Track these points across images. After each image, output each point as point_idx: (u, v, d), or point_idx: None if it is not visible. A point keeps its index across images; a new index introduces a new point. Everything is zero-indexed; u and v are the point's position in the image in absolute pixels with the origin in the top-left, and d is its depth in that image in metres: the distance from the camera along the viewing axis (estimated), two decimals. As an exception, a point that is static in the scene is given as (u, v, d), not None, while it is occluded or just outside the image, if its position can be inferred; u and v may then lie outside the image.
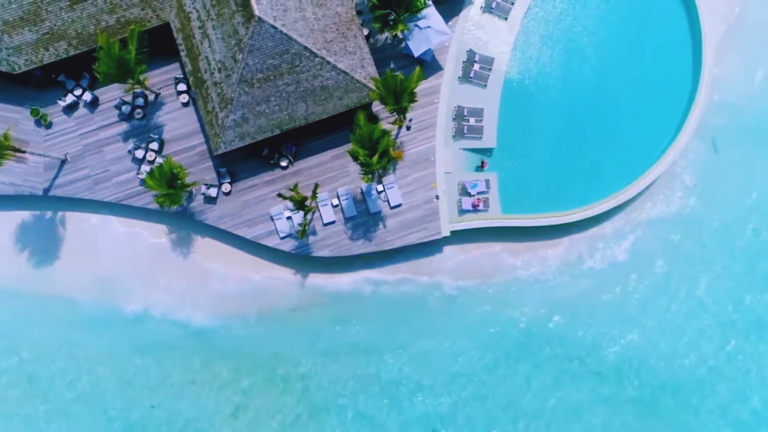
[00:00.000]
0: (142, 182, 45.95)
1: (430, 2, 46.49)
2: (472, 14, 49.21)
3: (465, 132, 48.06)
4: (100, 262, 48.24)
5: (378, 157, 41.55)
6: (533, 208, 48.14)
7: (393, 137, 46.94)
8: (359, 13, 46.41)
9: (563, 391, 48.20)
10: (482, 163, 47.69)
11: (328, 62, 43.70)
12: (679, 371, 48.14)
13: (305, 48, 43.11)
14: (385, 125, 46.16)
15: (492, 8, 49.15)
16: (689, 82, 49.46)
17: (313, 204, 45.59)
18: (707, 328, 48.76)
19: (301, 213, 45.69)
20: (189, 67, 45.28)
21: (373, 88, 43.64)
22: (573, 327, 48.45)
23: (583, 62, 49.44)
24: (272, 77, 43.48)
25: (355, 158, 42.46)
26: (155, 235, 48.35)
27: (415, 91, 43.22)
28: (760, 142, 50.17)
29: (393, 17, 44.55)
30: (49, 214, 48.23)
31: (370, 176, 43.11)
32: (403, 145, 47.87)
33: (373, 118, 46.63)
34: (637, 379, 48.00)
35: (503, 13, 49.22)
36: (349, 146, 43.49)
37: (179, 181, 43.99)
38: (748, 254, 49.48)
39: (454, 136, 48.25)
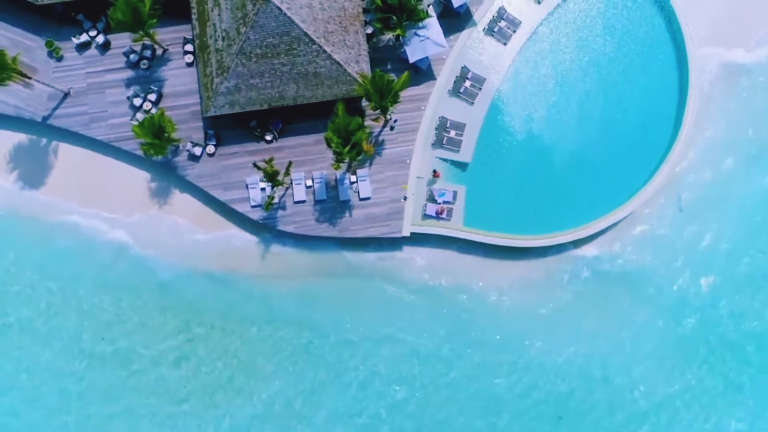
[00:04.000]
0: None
1: (433, 14, 48.74)
2: (475, 33, 51.39)
3: (444, 143, 50.26)
4: (82, 197, 50.85)
5: (349, 147, 43.88)
6: (494, 226, 50.14)
7: (374, 134, 49.59)
8: (365, 11, 48.74)
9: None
10: (434, 172, 49.79)
11: (325, 51, 46.17)
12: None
13: (305, 34, 45.64)
14: (368, 121, 48.60)
15: (494, 31, 51.30)
16: (668, 136, 51.31)
17: (285, 180, 48.05)
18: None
19: (275, 186, 48.13)
20: (197, 30, 48.01)
21: (361, 82, 45.95)
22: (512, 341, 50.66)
23: (571, 99, 51.53)
24: (269, 55, 46.03)
25: (328, 144, 44.84)
26: (136, 181, 50.91)
27: (399, 93, 45.51)
28: (724, 208, 51.70)
29: (394, 21, 46.86)
30: (43, 141, 51.06)
31: (340, 164, 45.46)
32: (384, 143, 50.20)
33: (359, 112, 48.85)
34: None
35: (504, 38, 51.35)
36: (330, 133, 45.92)
37: (166, 134, 46.64)
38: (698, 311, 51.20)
39: (433, 145, 50.46)
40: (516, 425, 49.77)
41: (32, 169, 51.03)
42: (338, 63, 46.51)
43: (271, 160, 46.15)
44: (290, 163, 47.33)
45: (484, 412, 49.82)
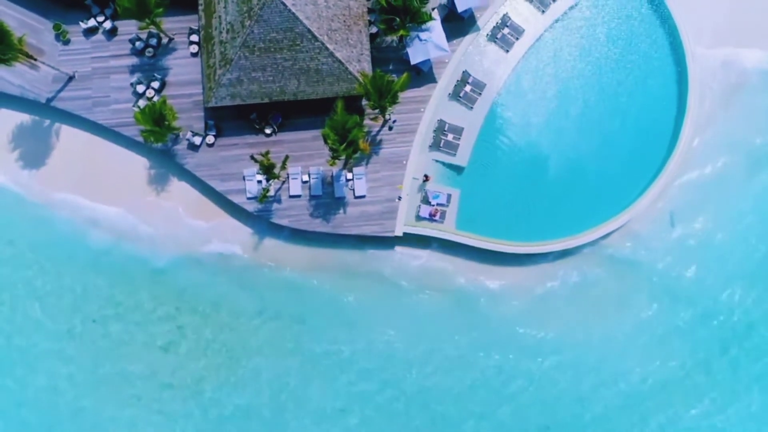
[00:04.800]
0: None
1: (437, 17, 49.17)
2: (478, 39, 51.81)
3: (441, 145, 50.70)
4: (80, 180, 51.38)
5: (346, 145, 44.37)
6: (486, 231, 50.52)
7: (372, 133, 50.10)
8: (370, 11, 49.18)
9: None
10: (425, 176, 50.19)
11: (327, 48, 46.66)
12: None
13: (309, 30, 46.15)
14: (367, 120, 49.16)
15: (497, 38, 51.70)
16: (664, 152, 51.68)
17: (281, 174, 48.56)
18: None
19: (271, 179, 48.63)
20: (202, 21, 48.59)
21: (361, 81, 46.41)
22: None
23: (569, 110, 52.00)
24: (272, 49, 46.56)
25: (325, 141, 45.34)
26: (135, 167, 51.42)
27: (398, 94, 45.98)
28: (718, 225, 52.13)
29: (397, 22, 47.31)
30: (46, 122, 51.63)
31: (336, 161, 45.97)
32: (382, 143, 50.67)
33: (359, 111, 49.25)
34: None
35: (506, 46, 51.76)
36: (330, 130, 46.34)
37: (166, 122, 47.21)
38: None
39: (430, 147, 50.89)
40: (500, 420, 50.49)
41: (33, 150, 51.62)
42: (340, 61, 47.00)
43: (267, 153, 46.67)
44: (287, 157, 47.87)
45: (469, 406, 50.51)
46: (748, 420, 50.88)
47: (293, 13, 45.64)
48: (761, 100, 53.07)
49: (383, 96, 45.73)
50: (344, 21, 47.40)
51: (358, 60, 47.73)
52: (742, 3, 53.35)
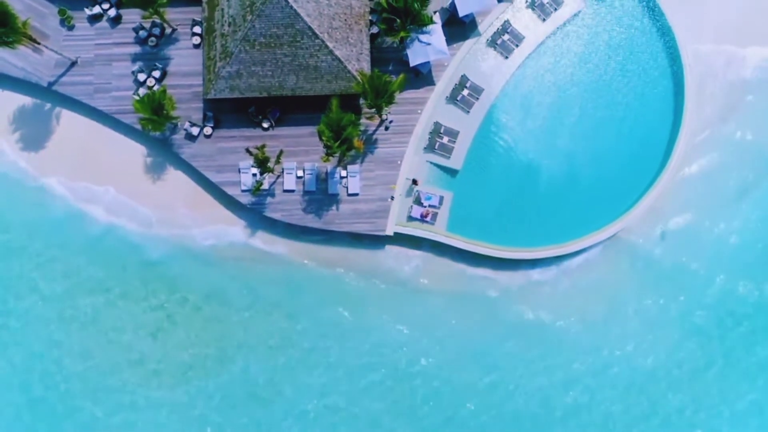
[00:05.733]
0: (135, 103, 49.61)
1: (438, 21, 49.55)
2: (478, 44, 52.16)
3: (436, 148, 51.08)
4: (77, 165, 51.90)
5: (340, 142, 44.80)
6: (476, 234, 50.89)
7: (368, 132, 50.52)
8: (372, 11, 49.59)
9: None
10: (414, 181, 50.58)
11: (327, 46, 47.10)
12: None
13: (309, 27, 46.59)
14: (363, 119, 49.56)
15: (497, 44, 52.06)
16: (657, 165, 51.94)
17: (275, 168, 48.99)
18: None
19: (265, 173, 49.08)
20: (205, 14, 49.08)
21: (359, 80, 46.83)
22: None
23: (566, 118, 52.22)
24: (273, 44, 47.01)
25: (320, 137, 45.77)
26: (133, 155, 51.93)
27: (394, 94, 46.37)
28: (716, 225, 52.59)
29: (398, 23, 47.72)
30: (47, 106, 52.16)
31: (330, 158, 46.41)
32: (377, 142, 51.07)
33: (356, 110, 49.63)
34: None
35: (506, 52, 52.10)
36: (327, 127, 46.72)
37: (165, 111, 47.69)
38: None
39: (425, 149, 51.27)
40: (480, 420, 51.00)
41: (32, 133, 52.18)
42: (339, 59, 47.43)
43: (263, 146, 47.14)
44: (281, 152, 48.34)
45: (450, 405, 50.98)
46: (740, 415, 51.25)
47: (294, 10, 46.09)
48: (762, 100, 53.24)
49: (380, 95, 46.14)
50: (345, 20, 47.84)
51: (357, 59, 48.16)
52: (743, 3, 53.53)
